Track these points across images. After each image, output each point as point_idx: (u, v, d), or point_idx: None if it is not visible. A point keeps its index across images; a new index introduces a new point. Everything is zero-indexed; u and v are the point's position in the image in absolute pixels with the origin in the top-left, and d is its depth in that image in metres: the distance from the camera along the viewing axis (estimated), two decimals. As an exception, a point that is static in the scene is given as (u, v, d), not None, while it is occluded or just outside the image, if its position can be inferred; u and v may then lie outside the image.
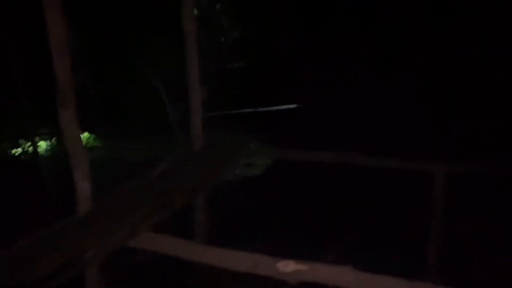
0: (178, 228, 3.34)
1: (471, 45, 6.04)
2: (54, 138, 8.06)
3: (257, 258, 2.03)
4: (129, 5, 6.68)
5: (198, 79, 3.56)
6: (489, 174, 3.52)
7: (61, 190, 3.41)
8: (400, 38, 6.57)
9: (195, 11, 5.25)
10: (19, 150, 7.89)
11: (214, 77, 6.27)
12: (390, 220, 4.29)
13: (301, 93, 6.94)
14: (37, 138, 7.57)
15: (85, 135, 7.56)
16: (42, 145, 8.04)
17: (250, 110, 7.07)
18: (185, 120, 3.87)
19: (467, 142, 5.25)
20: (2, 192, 4.89)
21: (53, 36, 2.18)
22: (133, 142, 6.22)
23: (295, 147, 3.76)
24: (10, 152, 7.84)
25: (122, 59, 6.81)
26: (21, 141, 7.90)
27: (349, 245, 4.13)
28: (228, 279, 2.76)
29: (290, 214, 4.44)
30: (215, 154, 3.57)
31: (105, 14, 6.74)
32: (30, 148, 7.64)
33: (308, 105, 6.96)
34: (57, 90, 2.25)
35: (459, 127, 5.69)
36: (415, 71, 6.43)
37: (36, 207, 4.60)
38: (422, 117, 6.01)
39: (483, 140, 5.22)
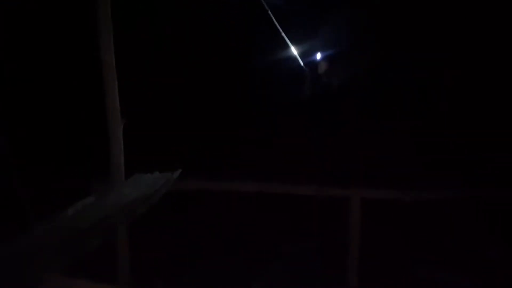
0: (99, 270, 3.18)
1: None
2: None
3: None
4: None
5: (117, 100, 3.31)
6: (402, 199, 3.79)
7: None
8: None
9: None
10: None
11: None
12: (313, 245, 4.43)
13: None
14: None
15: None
16: None
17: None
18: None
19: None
20: None
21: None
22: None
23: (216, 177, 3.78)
24: None
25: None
26: None
27: (276, 273, 4.18)
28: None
29: (216, 246, 4.41)
30: (137, 187, 3.46)
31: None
32: None
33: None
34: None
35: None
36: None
37: None
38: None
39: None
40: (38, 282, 2.26)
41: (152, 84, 6.58)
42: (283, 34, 5.22)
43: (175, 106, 6.46)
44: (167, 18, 6.84)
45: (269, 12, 5.01)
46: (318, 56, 6.69)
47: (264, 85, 6.87)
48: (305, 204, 4.30)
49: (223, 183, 3.84)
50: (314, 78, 6.73)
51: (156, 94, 6.58)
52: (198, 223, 4.75)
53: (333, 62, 6.77)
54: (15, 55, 5.96)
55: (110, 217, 3.03)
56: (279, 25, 5.51)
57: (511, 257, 3.99)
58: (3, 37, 5.78)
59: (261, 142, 6.18)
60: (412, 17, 6.61)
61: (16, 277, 2.25)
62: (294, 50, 5.86)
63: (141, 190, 3.38)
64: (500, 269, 3.90)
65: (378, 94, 6.67)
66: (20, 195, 4.43)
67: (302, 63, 6.17)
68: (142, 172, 3.79)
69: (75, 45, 6.15)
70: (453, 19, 6.38)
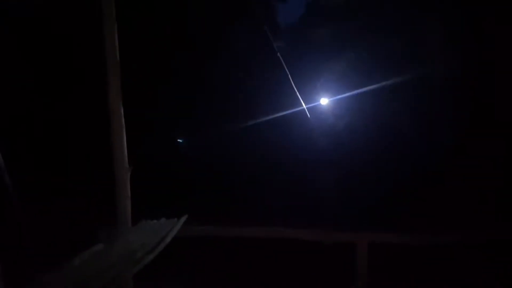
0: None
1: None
2: None
3: None
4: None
5: (125, 148, 3.33)
6: (409, 244, 3.75)
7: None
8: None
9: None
10: None
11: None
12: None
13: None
14: None
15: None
16: None
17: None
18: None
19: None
20: None
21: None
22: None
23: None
24: None
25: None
26: None
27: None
28: None
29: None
30: (143, 234, 3.45)
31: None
32: None
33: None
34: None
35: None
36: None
37: None
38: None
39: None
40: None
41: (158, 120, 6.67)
42: (290, 80, 5.30)
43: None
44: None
45: (282, 61, 5.07)
46: (323, 101, 6.84)
47: (269, 128, 6.96)
48: (312, 248, 4.25)
49: (228, 228, 3.82)
50: (317, 122, 6.84)
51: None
52: (203, 269, 4.70)
53: (337, 105, 6.91)
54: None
55: (116, 266, 3.02)
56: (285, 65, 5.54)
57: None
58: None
59: (265, 186, 6.20)
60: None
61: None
62: (299, 95, 5.96)
63: (147, 238, 3.37)
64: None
65: (380, 133, 6.73)
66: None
67: (306, 108, 6.28)
68: (148, 217, 3.78)
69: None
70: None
